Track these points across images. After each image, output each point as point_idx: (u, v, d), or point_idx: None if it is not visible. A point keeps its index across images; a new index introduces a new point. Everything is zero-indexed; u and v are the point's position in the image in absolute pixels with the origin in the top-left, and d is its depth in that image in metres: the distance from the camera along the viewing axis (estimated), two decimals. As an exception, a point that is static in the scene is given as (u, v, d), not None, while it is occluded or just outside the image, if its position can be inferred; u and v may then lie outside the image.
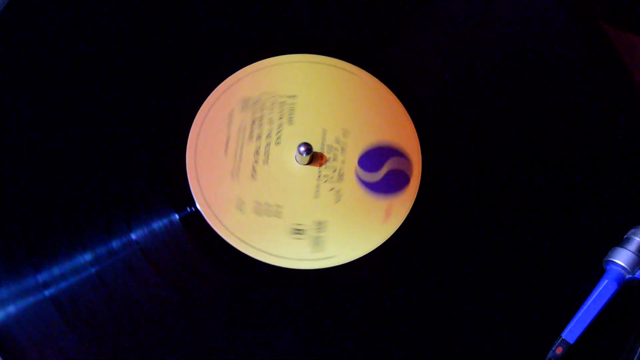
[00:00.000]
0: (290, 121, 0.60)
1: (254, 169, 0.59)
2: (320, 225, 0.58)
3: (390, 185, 0.59)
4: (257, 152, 0.59)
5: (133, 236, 0.55)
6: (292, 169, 0.59)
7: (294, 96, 0.61)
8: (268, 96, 0.60)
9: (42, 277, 0.53)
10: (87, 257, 0.54)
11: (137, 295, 0.54)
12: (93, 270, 0.54)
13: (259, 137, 0.59)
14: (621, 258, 0.55)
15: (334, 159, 0.60)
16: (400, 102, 0.62)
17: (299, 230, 0.57)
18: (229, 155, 0.59)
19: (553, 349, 0.53)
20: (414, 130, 0.61)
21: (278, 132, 0.60)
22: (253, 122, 0.59)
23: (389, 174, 0.59)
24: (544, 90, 0.64)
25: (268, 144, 0.59)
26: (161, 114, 0.60)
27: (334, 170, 0.59)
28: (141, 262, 0.55)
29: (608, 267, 0.55)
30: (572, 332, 0.53)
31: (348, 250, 0.57)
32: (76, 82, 0.60)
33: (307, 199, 0.58)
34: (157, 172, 0.58)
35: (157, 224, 0.56)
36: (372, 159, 0.60)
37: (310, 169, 0.59)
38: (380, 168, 0.59)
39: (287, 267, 0.56)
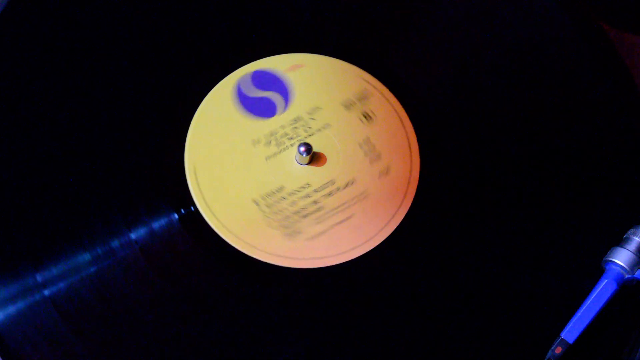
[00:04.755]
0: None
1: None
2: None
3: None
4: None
5: (133, 236, 0.55)
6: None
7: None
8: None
9: (42, 277, 0.54)
10: (87, 257, 0.54)
11: (137, 295, 0.54)
12: (93, 270, 0.54)
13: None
14: (621, 258, 0.55)
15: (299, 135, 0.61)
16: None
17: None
18: None
19: (552, 348, 0.53)
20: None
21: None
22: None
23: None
24: (544, 90, 0.64)
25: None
26: (161, 114, 0.60)
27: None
28: (141, 262, 0.55)
29: (607, 267, 0.55)
30: (571, 331, 0.53)
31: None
32: (76, 82, 0.60)
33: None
34: (157, 172, 0.58)
35: (157, 224, 0.56)
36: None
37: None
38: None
39: (286, 267, 0.56)
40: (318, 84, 0.62)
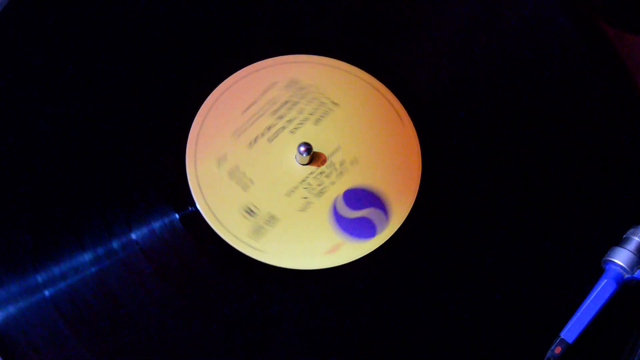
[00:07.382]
0: (317, 122, 0.60)
1: (255, 140, 0.59)
2: (271, 219, 0.58)
3: (356, 229, 0.58)
4: (269, 128, 0.59)
5: (133, 236, 0.55)
6: (285, 160, 0.59)
7: (336, 104, 0.61)
8: (314, 90, 0.61)
9: (42, 277, 0.54)
10: (87, 257, 0.54)
11: (137, 295, 0.54)
12: (93, 270, 0.54)
13: (280, 117, 0.60)
14: (620, 258, 0.55)
15: (327, 176, 0.59)
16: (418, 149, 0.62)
17: (251, 211, 0.57)
18: (245, 116, 0.60)
19: (552, 348, 0.53)
20: (415, 186, 0.60)
21: (300, 124, 0.60)
22: (286, 102, 0.60)
23: (362, 219, 0.58)
24: (544, 90, 0.64)
25: (283, 128, 0.60)
26: (161, 114, 0.60)
27: (320, 185, 0.59)
28: (141, 262, 0.55)
29: (607, 267, 0.55)
30: (570, 331, 0.53)
31: (278, 254, 0.57)
32: (76, 81, 0.60)
33: (278, 191, 0.58)
34: (157, 172, 0.58)
35: (157, 224, 0.56)
36: (356, 197, 0.59)
37: (301, 170, 0.59)
38: (359, 209, 0.59)
39: (287, 268, 0.56)
40: None
